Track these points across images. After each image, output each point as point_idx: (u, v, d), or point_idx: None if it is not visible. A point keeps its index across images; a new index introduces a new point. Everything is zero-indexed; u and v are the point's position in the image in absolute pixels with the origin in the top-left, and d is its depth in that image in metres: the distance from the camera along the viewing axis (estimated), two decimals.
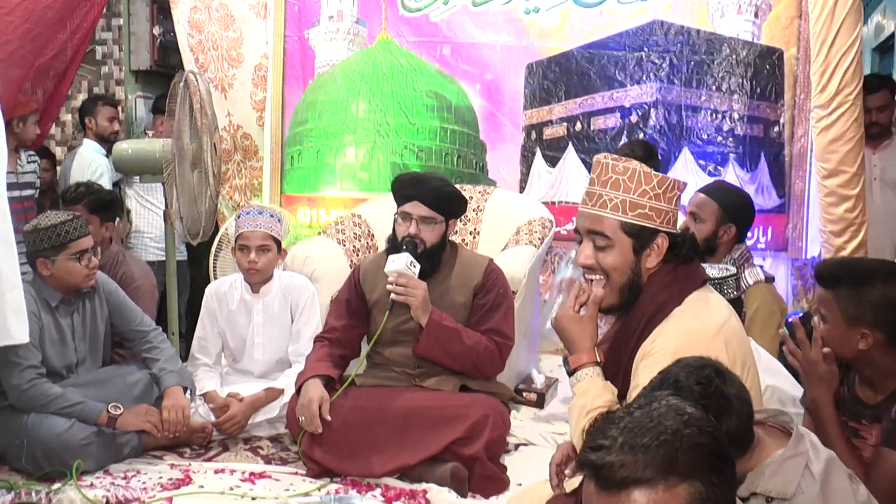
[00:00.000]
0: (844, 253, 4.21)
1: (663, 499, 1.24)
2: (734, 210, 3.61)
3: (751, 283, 3.51)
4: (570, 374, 2.36)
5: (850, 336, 2.33)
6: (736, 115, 4.89)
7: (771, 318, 3.40)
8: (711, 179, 4.78)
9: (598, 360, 2.34)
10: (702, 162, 4.92)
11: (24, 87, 4.66)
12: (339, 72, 5.45)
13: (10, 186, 4.48)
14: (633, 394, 2.17)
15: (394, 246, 3.54)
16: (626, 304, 2.33)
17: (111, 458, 3.51)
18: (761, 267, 3.65)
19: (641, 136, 4.96)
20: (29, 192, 4.73)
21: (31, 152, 4.85)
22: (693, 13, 4.90)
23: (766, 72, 4.82)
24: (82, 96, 5.68)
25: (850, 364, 2.43)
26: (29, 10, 4.44)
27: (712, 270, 3.21)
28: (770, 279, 3.61)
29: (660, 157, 4.60)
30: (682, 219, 2.50)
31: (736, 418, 1.86)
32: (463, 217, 4.29)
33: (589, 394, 2.27)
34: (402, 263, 3.38)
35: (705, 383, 1.85)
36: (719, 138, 4.92)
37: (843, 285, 2.36)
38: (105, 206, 4.31)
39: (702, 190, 3.74)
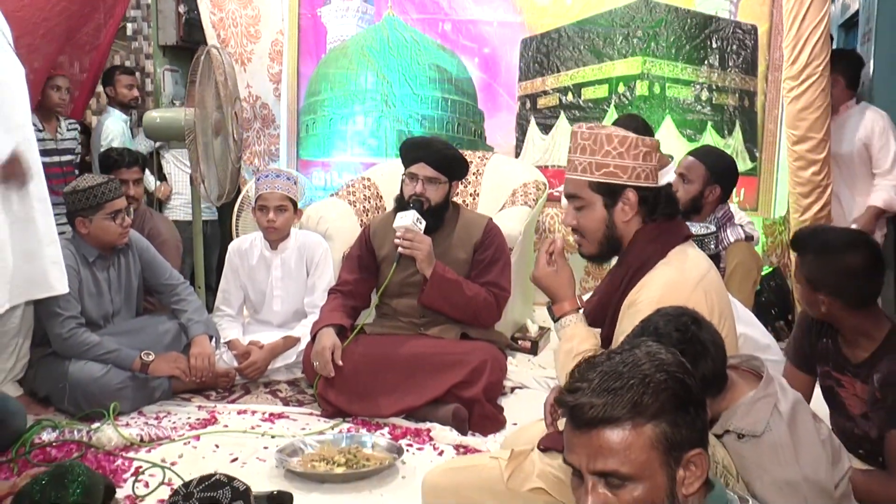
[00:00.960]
0: (810, 213, 4.18)
1: (630, 436, 1.26)
2: (719, 172, 3.59)
3: (732, 240, 3.51)
4: (555, 321, 2.37)
5: (814, 299, 2.35)
6: (713, 86, 4.87)
7: (748, 274, 3.41)
8: (690, 144, 4.77)
9: (579, 306, 2.36)
10: (682, 129, 4.90)
11: (57, 60, 4.64)
12: (349, 47, 5.41)
13: (50, 152, 4.52)
14: (619, 338, 2.16)
15: (401, 204, 3.53)
16: (606, 253, 2.33)
17: (144, 400, 3.53)
18: (742, 226, 3.63)
19: (627, 105, 4.94)
20: (68, 157, 4.70)
21: (72, 120, 4.82)
22: None
23: (741, 46, 4.79)
24: None
25: (836, 327, 2.44)
26: None
27: (694, 227, 3.20)
28: (749, 238, 3.60)
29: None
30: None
31: (711, 362, 1.86)
32: (464, 180, 4.28)
33: (574, 339, 2.28)
34: (409, 220, 3.38)
35: (682, 330, 1.85)
36: (698, 107, 4.89)
37: (808, 252, 2.39)
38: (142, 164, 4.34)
39: (691, 153, 3.74)
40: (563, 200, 2.50)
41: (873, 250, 2.36)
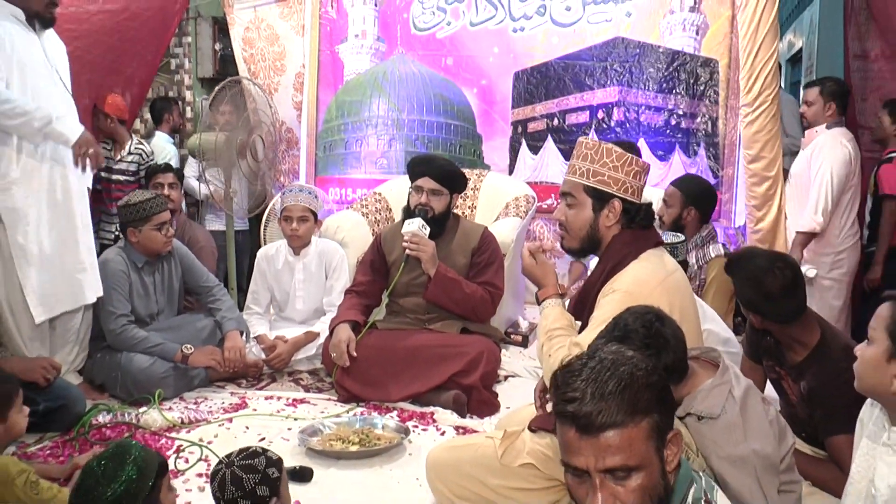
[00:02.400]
0: (763, 223, 4.21)
1: (632, 433, 1.27)
2: (694, 196, 3.69)
3: (713, 255, 3.57)
4: (539, 303, 2.42)
5: (749, 314, 2.41)
6: (680, 112, 4.85)
7: (725, 283, 3.42)
8: (661, 163, 4.79)
9: (560, 292, 2.42)
10: (655, 150, 4.91)
11: (114, 90, 4.68)
12: (363, 79, 5.41)
13: (111, 170, 4.55)
14: (594, 318, 2.22)
15: (408, 213, 3.56)
16: (584, 250, 2.40)
17: (184, 387, 3.55)
18: (724, 244, 3.72)
19: (606, 129, 4.95)
20: (124, 177, 4.69)
21: (138, 142, 4.80)
22: (648, 31, 4.85)
23: (704, 77, 4.78)
24: None
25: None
26: (120, 31, 4.49)
27: (666, 237, 3.23)
28: (728, 254, 3.66)
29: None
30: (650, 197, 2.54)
31: (672, 353, 1.89)
32: (463, 194, 4.30)
33: (549, 318, 2.34)
34: (416, 225, 3.41)
35: (647, 326, 1.88)
36: (667, 131, 4.88)
37: (737, 277, 2.44)
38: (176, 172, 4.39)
39: (672, 182, 3.85)
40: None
41: (791, 271, 2.37)
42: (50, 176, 3.25)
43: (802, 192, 4.08)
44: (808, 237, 3.98)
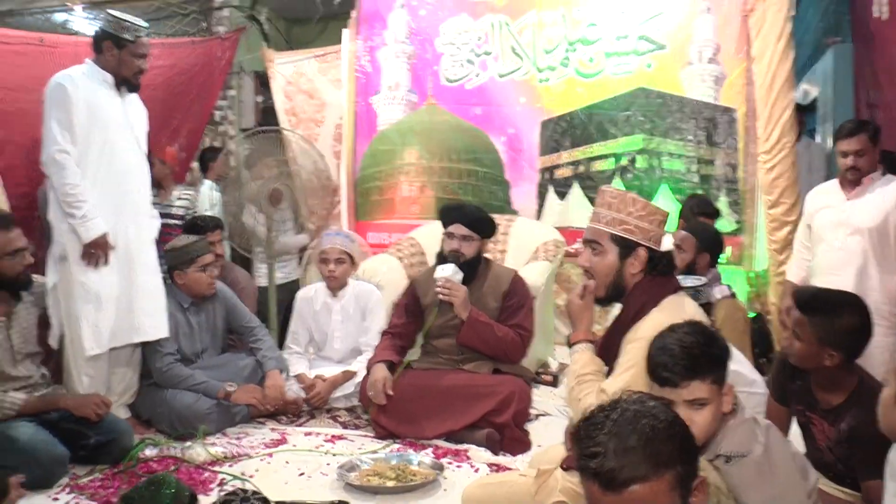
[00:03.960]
0: (785, 267, 4.17)
1: (656, 486, 1.24)
2: (707, 241, 3.72)
3: (719, 297, 3.57)
4: (570, 346, 2.43)
5: (819, 353, 2.27)
6: (701, 159, 4.87)
7: (736, 324, 3.41)
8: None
9: (591, 339, 2.41)
10: (676, 195, 4.91)
11: (160, 141, 4.81)
12: (396, 128, 5.47)
13: (161, 215, 4.64)
14: (619, 364, 2.22)
15: (441, 258, 3.58)
16: (610, 298, 2.39)
17: (227, 423, 3.56)
18: (728, 285, 3.71)
19: (630, 176, 4.97)
20: (173, 221, 4.75)
21: (185, 190, 4.91)
22: (668, 82, 4.89)
23: (723, 126, 4.81)
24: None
25: (811, 372, 2.37)
26: (168, 86, 4.62)
27: (688, 281, 3.23)
28: (734, 295, 3.69)
29: (716, 209, 4.42)
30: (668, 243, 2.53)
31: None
32: (493, 239, 4.30)
33: (579, 362, 2.35)
34: (449, 271, 3.43)
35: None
36: (689, 177, 4.89)
37: (816, 313, 2.30)
38: (221, 227, 4.43)
39: (684, 228, 3.86)
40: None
41: (866, 310, 2.31)
42: (115, 225, 3.40)
43: (849, 255, 3.50)
44: None
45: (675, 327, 1.94)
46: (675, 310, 2.26)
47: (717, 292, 3.58)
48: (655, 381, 1.87)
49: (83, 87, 3.32)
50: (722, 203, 4.79)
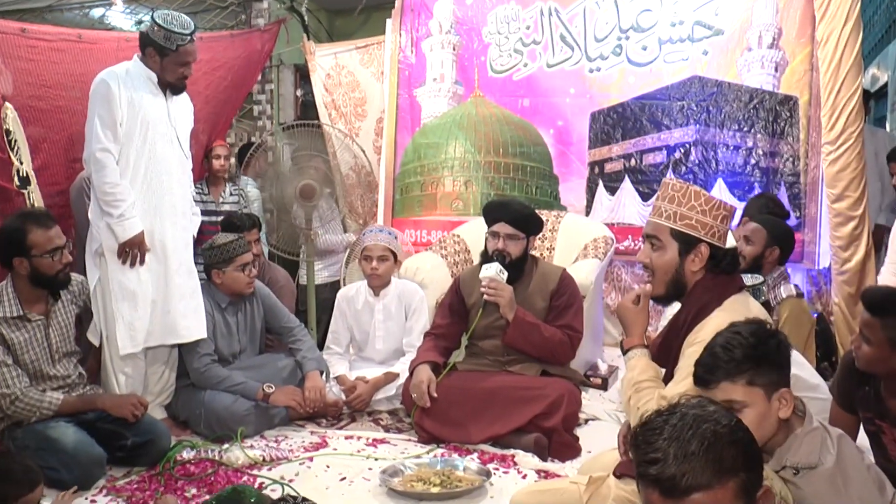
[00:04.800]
0: (849, 265, 4.05)
1: (720, 494, 1.21)
2: (779, 236, 3.60)
3: (784, 296, 3.46)
4: (624, 353, 2.39)
5: (890, 357, 2.20)
6: (760, 151, 4.76)
7: (799, 325, 3.32)
8: (740, 203, 4.67)
9: (646, 343, 2.37)
10: (733, 190, 4.80)
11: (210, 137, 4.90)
12: (440, 121, 5.45)
13: (210, 213, 4.73)
14: (680, 369, 2.17)
15: (486, 258, 3.54)
16: (670, 296, 2.35)
17: (265, 425, 3.56)
18: (796, 285, 3.59)
19: (684, 169, 4.87)
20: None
21: (237, 187, 4.98)
22: (725, 69, 4.79)
23: (784, 115, 4.68)
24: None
25: (881, 377, 2.29)
26: (214, 82, 4.67)
27: (746, 279, 3.15)
28: (800, 295, 3.55)
29: (787, 212, 4.42)
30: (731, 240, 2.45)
31: None
32: (541, 235, 4.26)
33: (636, 369, 2.30)
34: (493, 271, 3.39)
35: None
36: (746, 170, 4.78)
37: (889, 314, 2.22)
38: (259, 226, 4.44)
39: (755, 219, 3.73)
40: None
41: None
42: (152, 225, 3.45)
43: None
44: None
45: (733, 325, 1.88)
46: (740, 310, 2.19)
47: (783, 290, 3.48)
48: (693, 380, 1.82)
49: (127, 84, 3.38)
50: (781, 197, 4.67)
